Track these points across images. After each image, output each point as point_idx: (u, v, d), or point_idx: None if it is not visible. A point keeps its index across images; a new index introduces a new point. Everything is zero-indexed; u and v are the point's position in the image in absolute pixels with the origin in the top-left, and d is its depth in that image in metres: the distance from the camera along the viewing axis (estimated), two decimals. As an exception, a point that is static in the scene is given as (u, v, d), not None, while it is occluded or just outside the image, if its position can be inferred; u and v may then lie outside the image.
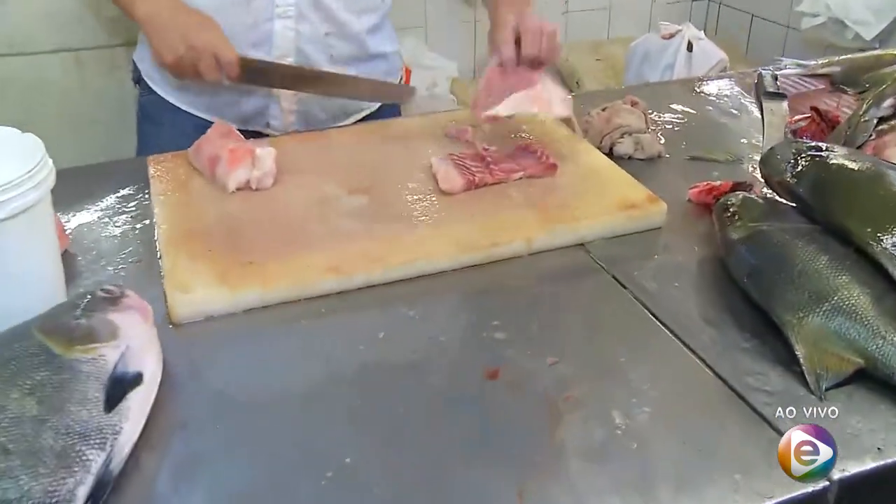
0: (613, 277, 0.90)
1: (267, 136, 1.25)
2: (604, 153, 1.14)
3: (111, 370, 0.67)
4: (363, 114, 1.35)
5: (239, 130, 1.10)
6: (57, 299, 0.78)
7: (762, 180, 1.01)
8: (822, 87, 1.40)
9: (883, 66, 1.33)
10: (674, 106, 1.35)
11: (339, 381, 0.75)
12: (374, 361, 0.77)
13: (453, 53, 2.57)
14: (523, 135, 1.16)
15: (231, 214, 0.97)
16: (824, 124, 1.20)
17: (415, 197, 1.01)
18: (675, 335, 0.80)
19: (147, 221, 0.99)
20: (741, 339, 0.79)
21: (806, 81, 1.43)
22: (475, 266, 0.91)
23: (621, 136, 1.16)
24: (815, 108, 1.22)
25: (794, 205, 0.92)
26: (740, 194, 0.95)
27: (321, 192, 1.02)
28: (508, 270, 0.91)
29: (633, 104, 1.22)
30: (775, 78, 1.41)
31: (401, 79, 1.42)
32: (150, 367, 0.71)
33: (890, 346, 0.71)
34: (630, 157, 1.16)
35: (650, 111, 1.24)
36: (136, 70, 1.33)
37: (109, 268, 0.91)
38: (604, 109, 1.20)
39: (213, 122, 1.11)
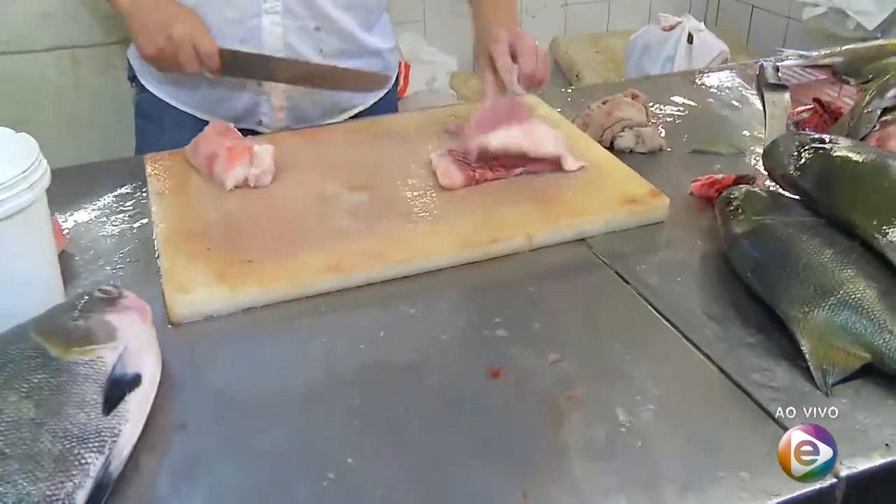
0: (616, 273, 0.89)
1: (259, 134, 1.24)
2: (604, 147, 1.13)
3: (109, 372, 0.66)
4: (356, 110, 1.33)
5: (232, 129, 1.09)
6: (55, 300, 0.78)
7: (765, 173, 1.00)
8: (823, 77, 1.39)
9: (886, 56, 1.31)
10: (674, 98, 1.34)
11: (339, 380, 0.74)
12: (375, 361, 0.76)
13: (452, 47, 2.56)
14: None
15: (229, 212, 0.97)
16: (827, 115, 1.19)
17: (415, 193, 1.00)
18: (679, 331, 0.79)
19: (145, 220, 0.99)
20: (746, 334, 0.78)
21: (808, 72, 1.42)
22: (476, 263, 0.90)
23: (622, 130, 1.15)
24: (817, 100, 1.21)
25: (797, 198, 0.91)
26: (743, 188, 0.94)
27: (320, 190, 1.01)
28: (509, 267, 0.90)
29: (634, 97, 1.21)
30: (777, 69, 1.40)
31: (396, 75, 1.40)
32: (149, 368, 0.71)
33: (897, 340, 0.70)
34: (631, 151, 1.15)
35: (651, 104, 1.23)
36: (130, 68, 1.32)
37: (107, 268, 0.91)
38: (604, 103, 1.19)
39: (209, 121, 1.10)
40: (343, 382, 0.74)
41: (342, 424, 0.69)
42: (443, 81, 2.52)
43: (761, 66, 1.40)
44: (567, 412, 0.69)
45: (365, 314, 0.83)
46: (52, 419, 0.61)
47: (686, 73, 1.67)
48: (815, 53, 1.43)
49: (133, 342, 0.70)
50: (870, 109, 1.07)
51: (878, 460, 0.64)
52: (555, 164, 1.04)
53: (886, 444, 0.65)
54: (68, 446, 0.60)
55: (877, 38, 2.05)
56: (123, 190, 1.06)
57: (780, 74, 1.37)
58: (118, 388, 0.66)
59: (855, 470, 0.63)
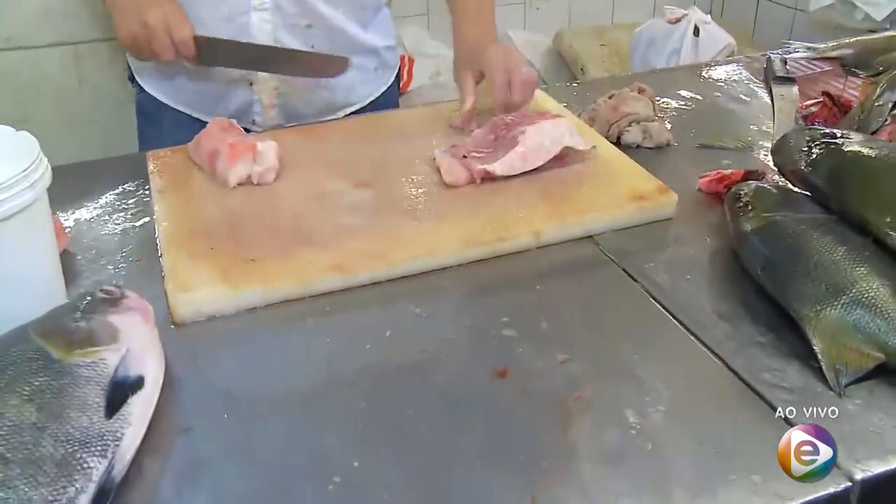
0: (624, 271, 0.88)
1: (255, 132, 1.22)
2: (611, 142, 1.11)
3: (112, 374, 0.65)
4: (352, 108, 1.30)
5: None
6: (57, 300, 0.77)
7: (774, 168, 0.98)
8: (829, 69, 1.37)
9: (896, 48, 1.30)
10: (681, 92, 1.32)
11: (344, 381, 0.73)
12: (381, 361, 0.75)
13: (456, 41, 2.54)
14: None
15: (232, 210, 0.96)
16: (836, 109, 1.17)
17: (419, 190, 0.99)
18: (689, 330, 0.78)
19: (147, 219, 0.98)
20: (756, 333, 0.77)
21: (815, 65, 1.40)
22: (481, 261, 0.89)
23: (629, 125, 1.14)
24: (826, 93, 1.19)
25: (808, 194, 0.90)
26: (752, 183, 0.92)
27: (323, 187, 1.00)
28: (516, 265, 0.89)
29: (641, 91, 1.19)
30: (785, 62, 1.38)
31: (397, 75, 1.38)
32: (152, 369, 0.70)
33: (911, 339, 0.69)
34: (638, 146, 1.14)
35: (657, 98, 1.22)
36: (129, 67, 1.31)
37: (109, 267, 0.90)
38: (610, 97, 1.18)
39: (207, 121, 1.09)
40: (348, 384, 0.73)
41: (347, 427, 0.68)
42: (447, 76, 2.50)
43: (769, 59, 1.39)
44: (576, 413, 0.68)
45: (370, 313, 0.82)
46: (54, 423, 0.60)
47: (692, 66, 1.66)
48: (823, 45, 1.42)
49: (135, 343, 0.69)
50: (881, 103, 1.05)
51: (893, 463, 0.63)
52: (560, 161, 1.02)
53: (902, 447, 0.64)
54: (70, 450, 0.59)
55: (885, 30, 2.02)
56: (125, 187, 1.05)
57: (788, 67, 1.36)
58: (121, 391, 0.65)
59: (870, 473, 0.62)
